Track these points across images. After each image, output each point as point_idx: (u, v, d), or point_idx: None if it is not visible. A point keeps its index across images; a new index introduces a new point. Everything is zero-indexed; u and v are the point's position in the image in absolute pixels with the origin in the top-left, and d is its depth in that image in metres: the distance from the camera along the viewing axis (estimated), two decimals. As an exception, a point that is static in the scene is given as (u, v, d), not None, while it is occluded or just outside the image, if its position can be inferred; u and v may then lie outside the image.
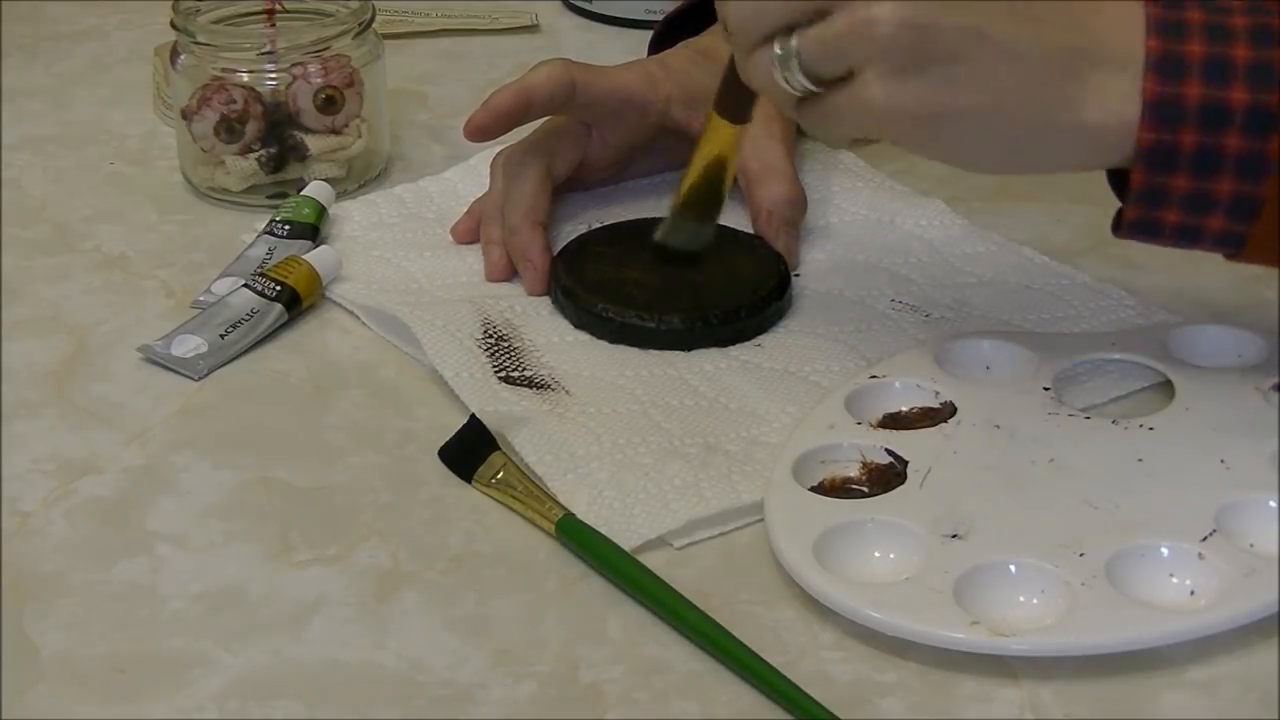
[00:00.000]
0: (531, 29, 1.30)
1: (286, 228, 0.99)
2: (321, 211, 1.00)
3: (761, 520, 0.77)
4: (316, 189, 1.01)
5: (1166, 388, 0.84)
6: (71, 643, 0.73)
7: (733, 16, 0.77)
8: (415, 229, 1.01)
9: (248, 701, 0.70)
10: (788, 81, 0.75)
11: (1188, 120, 0.73)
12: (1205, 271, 0.92)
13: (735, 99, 0.83)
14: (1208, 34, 0.73)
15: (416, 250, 0.99)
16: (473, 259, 0.98)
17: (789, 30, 0.74)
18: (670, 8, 1.09)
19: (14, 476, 0.83)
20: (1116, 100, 0.74)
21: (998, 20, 0.73)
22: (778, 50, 0.75)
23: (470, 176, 1.04)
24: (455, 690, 0.70)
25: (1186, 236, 0.76)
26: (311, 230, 0.99)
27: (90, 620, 0.74)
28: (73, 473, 0.83)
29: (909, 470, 0.79)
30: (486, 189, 0.99)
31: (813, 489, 0.79)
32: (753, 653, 0.70)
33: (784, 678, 0.69)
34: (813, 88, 0.75)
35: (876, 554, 0.75)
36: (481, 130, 0.96)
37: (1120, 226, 0.77)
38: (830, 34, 0.74)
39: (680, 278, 0.92)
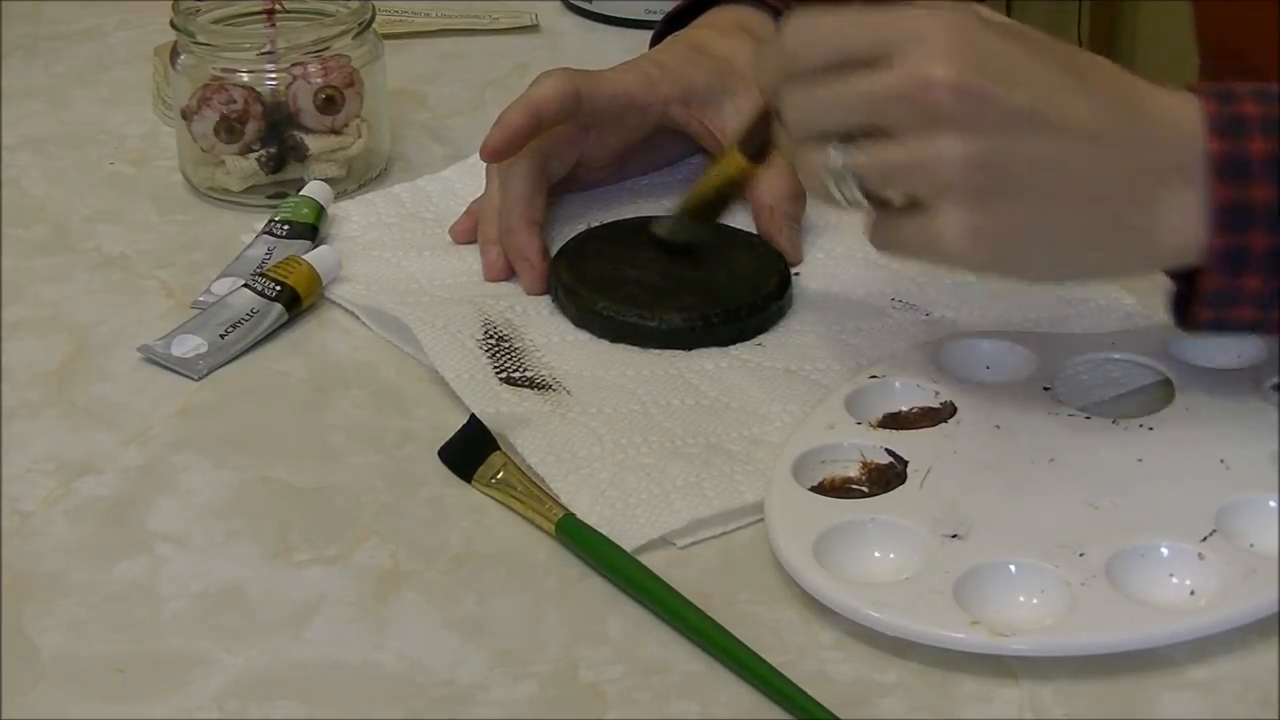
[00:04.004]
0: (531, 29, 1.30)
1: (285, 228, 0.99)
2: (320, 211, 1.00)
3: (762, 520, 0.77)
4: (315, 189, 1.01)
5: (1166, 388, 0.84)
6: (71, 643, 0.73)
7: (788, 109, 0.76)
8: (414, 229, 1.01)
9: (248, 701, 0.70)
10: (841, 193, 0.74)
11: (1257, 222, 0.73)
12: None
13: (758, 144, 0.86)
14: (1265, 129, 0.73)
15: (416, 250, 0.99)
16: (472, 259, 0.97)
17: (847, 137, 0.74)
18: (670, 7, 1.09)
19: (14, 476, 0.83)
20: (1182, 216, 0.73)
21: (1061, 149, 0.72)
22: (833, 162, 0.74)
23: (469, 176, 1.04)
24: (455, 690, 0.70)
25: (1258, 328, 0.77)
26: (310, 230, 0.99)
27: (90, 620, 0.74)
28: (73, 473, 0.83)
29: (909, 470, 0.79)
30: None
31: (813, 489, 0.79)
32: (753, 653, 0.70)
33: (784, 678, 0.69)
34: (864, 202, 0.74)
35: (876, 554, 0.75)
36: (498, 152, 0.96)
37: (1189, 323, 0.77)
38: (893, 161, 0.73)
39: (681, 277, 0.92)
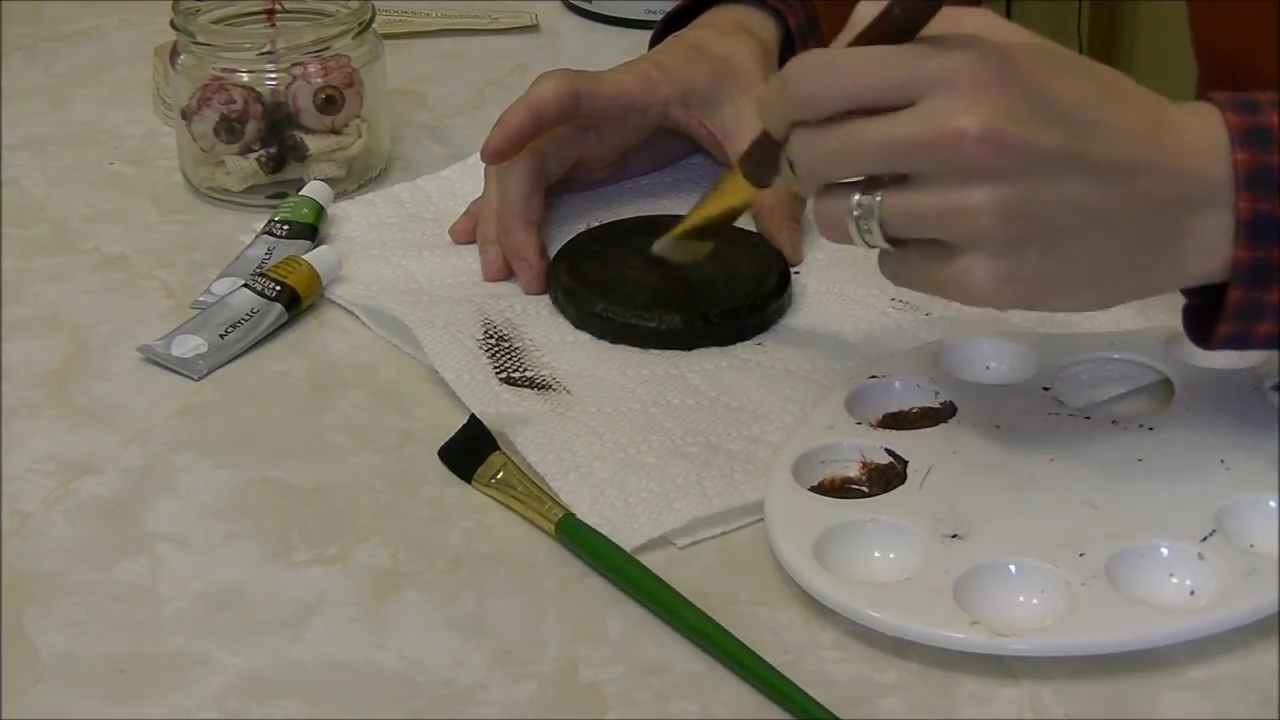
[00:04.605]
0: (531, 29, 1.30)
1: (285, 228, 0.99)
2: (320, 211, 1.00)
3: (762, 520, 0.77)
4: (315, 189, 1.01)
5: (1166, 388, 0.84)
6: (71, 643, 0.73)
7: (802, 158, 0.73)
8: (414, 229, 1.01)
9: (248, 701, 0.70)
10: (863, 237, 0.73)
11: None
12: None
13: (762, 167, 0.80)
14: None
15: (415, 250, 0.99)
16: (472, 259, 0.98)
17: (868, 182, 0.72)
18: (670, 7, 1.09)
19: (14, 476, 0.83)
20: (1212, 237, 0.72)
21: (1093, 188, 0.70)
22: (856, 206, 0.72)
23: (468, 175, 1.04)
24: (455, 690, 0.70)
25: (1274, 343, 0.75)
26: (310, 230, 0.99)
27: (90, 620, 0.74)
28: (73, 473, 0.83)
29: (909, 470, 0.79)
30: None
31: (813, 489, 0.79)
32: (753, 653, 0.70)
33: (784, 678, 0.69)
34: (887, 245, 0.73)
35: (876, 554, 0.75)
36: (499, 153, 0.96)
37: (1209, 339, 0.75)
38: (922, 209, 0.71)
39: (681, 277, 0.92)
